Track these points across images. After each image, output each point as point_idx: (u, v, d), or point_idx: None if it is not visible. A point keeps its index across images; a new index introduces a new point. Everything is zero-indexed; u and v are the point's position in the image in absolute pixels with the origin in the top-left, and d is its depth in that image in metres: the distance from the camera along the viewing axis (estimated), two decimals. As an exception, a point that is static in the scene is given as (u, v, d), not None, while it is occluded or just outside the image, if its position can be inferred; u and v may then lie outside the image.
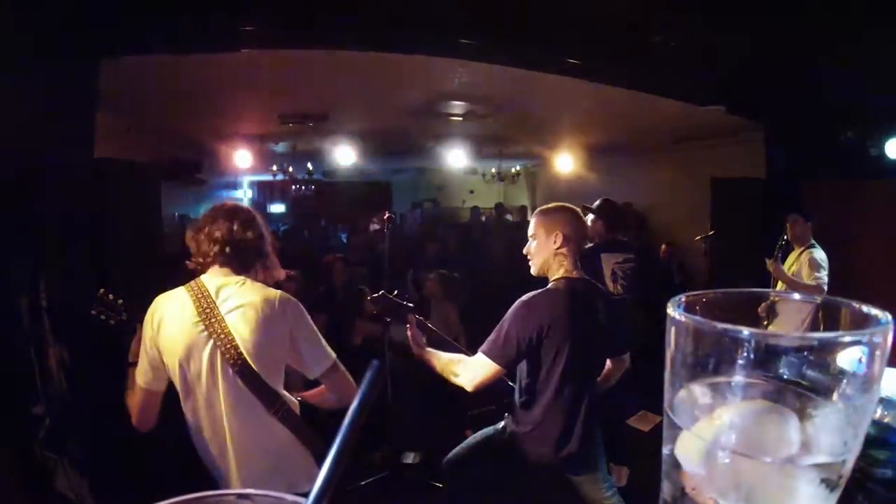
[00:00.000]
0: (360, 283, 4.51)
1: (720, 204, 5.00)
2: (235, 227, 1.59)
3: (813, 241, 3.54)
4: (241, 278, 1.59)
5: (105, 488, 2.33)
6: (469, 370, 1.97)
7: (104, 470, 2.39)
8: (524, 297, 1.98)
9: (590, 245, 3.43)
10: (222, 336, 1.50)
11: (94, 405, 2.46)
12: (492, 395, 2.50)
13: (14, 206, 2.22)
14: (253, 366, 1.50)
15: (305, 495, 0.34)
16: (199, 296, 1.53)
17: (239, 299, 1.54)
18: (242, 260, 1.60)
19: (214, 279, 1.57)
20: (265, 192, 10.28)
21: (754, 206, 4.63)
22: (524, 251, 2.13)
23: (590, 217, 3.34)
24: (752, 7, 2.58)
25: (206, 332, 1.50)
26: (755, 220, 4.54)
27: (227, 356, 1.49)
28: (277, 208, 10.42)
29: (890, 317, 0.34)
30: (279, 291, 1.61)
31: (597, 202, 3.51)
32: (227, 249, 1.57)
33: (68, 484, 2.21)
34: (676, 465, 0.37)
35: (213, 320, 1.51)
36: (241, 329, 1.51)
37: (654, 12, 2.66)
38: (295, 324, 1.58)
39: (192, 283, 1.58)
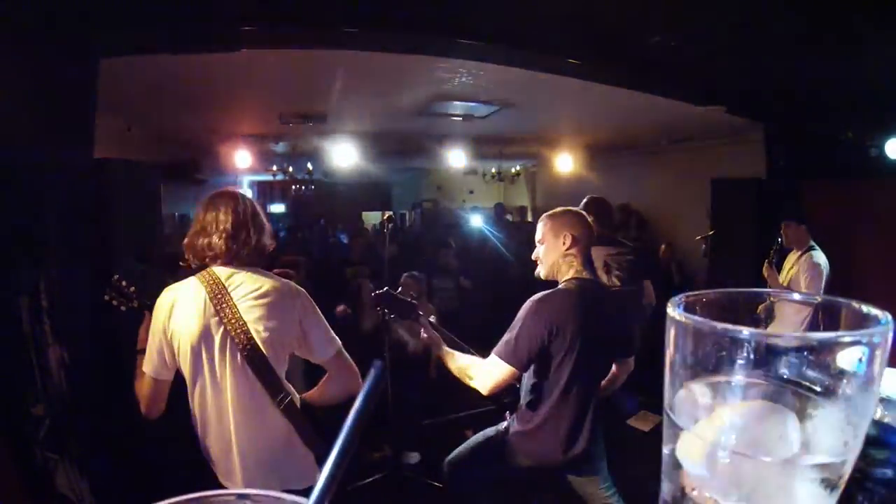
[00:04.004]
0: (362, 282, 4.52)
1: (720, 204, 5.00)
2: (242, 227, 1.62)
3: (812, 243, 3.54)
4: (250, 268, 1.64)
5: (105, 488, 2.34)
6: (484, 373, 1.97)
7: (104, 470, 2.39)
8: (536, 297, 1.96)
9: None
10: (234, 322, 1.54)
11: (94, 405, 2.46)
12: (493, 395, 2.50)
13: (14, 206, 2.22)
14: (262, 350, 1.55)
15: (303, 493, 0.34)
16: (212, 283, 1.57)
17: (250, 287, 1.59)
18: (250, 254, 1.65)
19: (225, 268, 1.61)
20: (265, 192, 10.29)
21: (754, 206, 4.62)
22: (533, 256, 2.13)
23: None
24: (752, 7, 2.58)
25: (217, 318, 1.54)
26: (755, 220, 4.54)
27: (238, 341, 1.53)
28: (277, 208, 10.43)
29: (890, 317, 0.34)
30: (289, 281, 1.69)
31: (584, 200, 3.39)
32: (234, 248, 1.61)
33: (68, 484, 2.21)
34: (676, 465, 0.37)
35: (224, 306, 1.54)
36: (253, 315, 1.56)
37: (653, 12, 2.66)
38: (304, 312, 1.64)
39: (204, 272, 1.62)
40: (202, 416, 1.59)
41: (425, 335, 2.17)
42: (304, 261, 4.31)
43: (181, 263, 1.68)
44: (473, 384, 2.00)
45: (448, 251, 5.38)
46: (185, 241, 1.66)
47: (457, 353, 2.11)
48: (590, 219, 2.12)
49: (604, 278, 3.24)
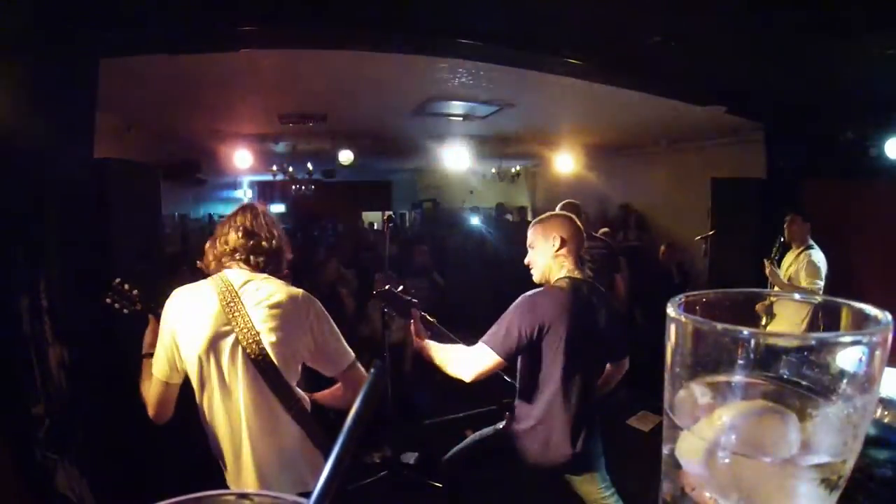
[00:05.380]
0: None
1: (720, 204, 5.00)
2: (262, 227, 1.64)
3: (811, 242, 3.54)
4: (263, 275, 1.61)
5: (105, 488, 2.33)
6: (469, 360, 2.00)
7: (104, 470, 2.39)
8: (528, 293, 2.00)
9: None
10: (245, 330, 1.51)
11: (95, 405, 2.46)
12: (492, 396, 2.51)
13: (14, 206, 2.22)
14: (274, 360, 1.52)
15: (306, 495, 0.34)
16: (224, 289, 1.55)
17: (263, 294, 1.56)
18: (267, 257, 1.64)
19: (239, 274, 1.59)
20: (265, 192, 10.28)
21: (754, 206, 4.63)
22: (525, 261, 2.17)
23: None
24: (752, 7, 2.58)
25: (228, 325, 1.52)
26: (755, 220, 4.54)
27: (249, 350, 1.51)
28: (277, 208, 10.42)
29: (890, 317, 0.34)
30: (301, 290, 1.65)
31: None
32: (255, 246, 1.61)
33: (68, 484, 2.21)
34: (676, 465, 0.37)
35: (236, 313, 1.52)
36: (265, 323, 1.53)
37: (653, 12, 2.66)
38: (317, 322, 1.61)
39: (216, 276, 1.60)
40: (211, 420, 1.57)
41: (412, 325, 2.18)
42: (290, 274, 4.32)
43: (198, 265, 1.67)
44: (456, 371, 2.02)
45: (422, 249, 5.46)
46: (206, 245, 1.67)
47: (437, 343, 2.13)
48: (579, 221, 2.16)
49: None
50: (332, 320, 1.66)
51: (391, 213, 11.17)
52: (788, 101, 4.05)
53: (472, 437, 2.29)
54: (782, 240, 3.60)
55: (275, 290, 1.58)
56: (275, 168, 8.09)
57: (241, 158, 5.92)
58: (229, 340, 1.52)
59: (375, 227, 9.82)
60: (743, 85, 3.88)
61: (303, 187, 9.32)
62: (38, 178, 2.30)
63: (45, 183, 2.35)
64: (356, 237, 6.63)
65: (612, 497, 2.09)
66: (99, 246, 2.69)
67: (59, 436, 2.25)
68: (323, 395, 1.74)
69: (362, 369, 1.67)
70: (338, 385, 1.73)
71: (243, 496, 0.35)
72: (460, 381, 2.05)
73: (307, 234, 8.01)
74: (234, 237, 1.62)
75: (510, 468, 2.11)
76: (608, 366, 2.21)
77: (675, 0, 2.57)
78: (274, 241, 1.65)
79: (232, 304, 1.53)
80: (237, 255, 1.61)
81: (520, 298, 2.00)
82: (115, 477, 2.40)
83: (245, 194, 9.61)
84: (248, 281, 1.58)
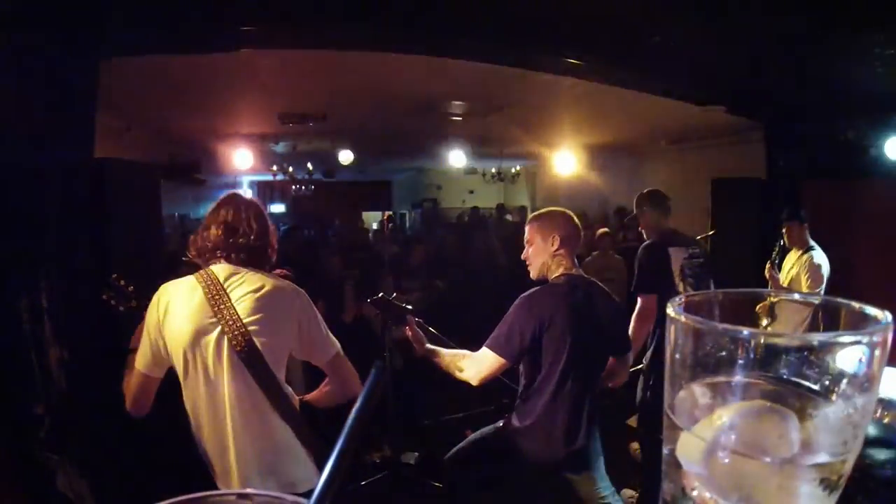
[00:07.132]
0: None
1: (720, 204, 5.00)
2: (242, 222, 1.63)
3: (812, 244, 3.54)
4: (249, 269, 1.61)
5: (105, 488, 2.34)
6: (474, 365, 2.01)
7: (104, 470, 2.39)
8: (527, 293, 2.02)
9: (650, 241, 3.20)
10: (230, 322, 1.50)
11: (94, 405, 2.46)
12: (492, 395, 2.51)
13: (14, 206, 2.22)
14: (261, 351, 1.52)
15: (304, 495, 0.34)
16: (209, 282, 1.55)
17: (249, 287, 1.56)
18: (250, 253, 1.63)
19: (224, 268, 1.59)
20: (265, 192, 10.29)
21: (754, 206, 4.62)
22: (522, 257, 2.18)
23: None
24: (752, 7, 2.58)
25: (214, 318, 1.51)
26: (755, 220, 4.54)
27: (235, 343, 1.50)
28: (277, 208, 10.44)
29: (890, 317, 0.34)
30: (287, 282, 1.66)
31: (637, 196, 3.31)
32: (234, 243, 1.60)
33: (68, 484, 2.21)
34: (676, 465, 0.37)
35: (222, 306, 1.51)
36: (251, 316, 1.52)
37: (653, 12, 2.66)
38: (303, 313, 1.62)
39: (202, 271, 1.59)
40: (196, 416, 1.56)
41: (409, 333, 2.20)
42: (291, 273, 4.35)
43: (184, 259, 1.67)
44: (463, 376, 2.04)
45: (419, 248, 5.48)
46: (191, 238, 1.67)
47: (443, 349, 2.15)
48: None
49: (679, 287, 3.06)
50: (317, 311, 1.67)
51: (391, 212, 11.19)
52: (788, 101, 4.05)
53: (472, 436, 2.30)
54: (782, 243, 3.61)
55: (261, 281, 1.58)
56: (275, 168, 8.10)
57: (241, 158, 5.92)
58: (214, 334, 1.51)
59: (374, 228, 9.82)
60: (743, 85, 3.88)
61: (303, 187, 9.34)
62: (38, 179, 2.30)
63: (45, 183, 2.35)
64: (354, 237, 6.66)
65: (611, 496, 2.09)
66: (99, 246, 2.69)
67: (59, 436, 2.25)
68: (312, 396, 1.74)
69: (347, 360, 1.70)
70: (325, 382, 1.74)
71: (243, 496, 0.35)
72: (459, 382, 2.06)
73: (306, 234, 8.02)
74: (214, 233, 1.61)
75: (510, 467, 2.11)
76: (611, 360, 2.22)
77: (676, 0, 2.57)
78: (254, 237, 1.63)
79: (217, 297, 1.52)
80: (218, 253, 1.61)
81: (518, 299, 2.01)
82: (115, 477, 2.40)
83: (245, 194, 9.59)
84: (233, 274, 1.58)
